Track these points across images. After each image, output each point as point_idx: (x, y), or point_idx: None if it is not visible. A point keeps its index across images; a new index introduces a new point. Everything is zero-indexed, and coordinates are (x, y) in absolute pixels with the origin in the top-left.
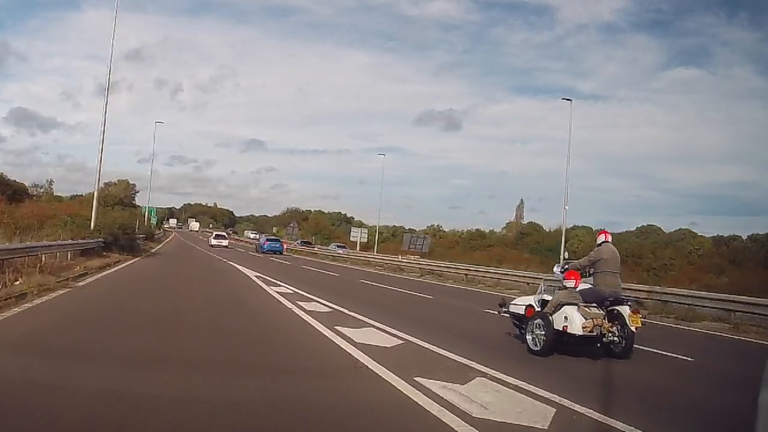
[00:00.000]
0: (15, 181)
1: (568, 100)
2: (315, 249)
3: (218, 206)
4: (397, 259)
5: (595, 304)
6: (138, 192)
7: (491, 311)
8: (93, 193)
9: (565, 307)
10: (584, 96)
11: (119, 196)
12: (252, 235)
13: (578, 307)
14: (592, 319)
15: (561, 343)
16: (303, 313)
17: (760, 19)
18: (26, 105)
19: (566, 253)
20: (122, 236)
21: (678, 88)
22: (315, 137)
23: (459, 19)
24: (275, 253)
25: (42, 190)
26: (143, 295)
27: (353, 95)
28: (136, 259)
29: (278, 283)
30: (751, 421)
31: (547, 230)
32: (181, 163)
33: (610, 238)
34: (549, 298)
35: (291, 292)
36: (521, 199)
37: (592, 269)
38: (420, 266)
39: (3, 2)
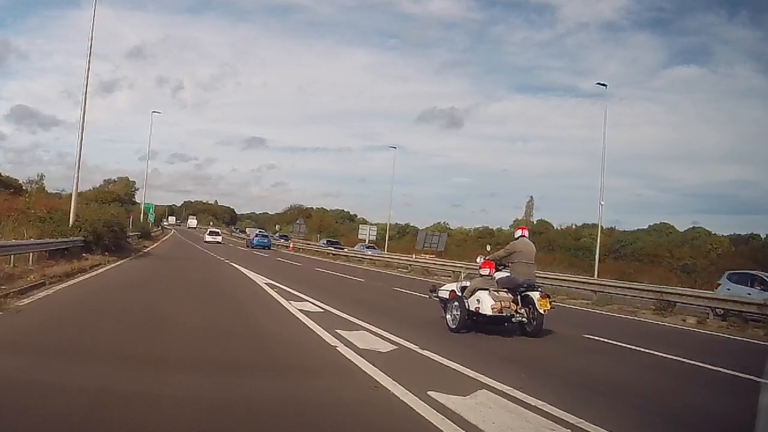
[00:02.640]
0: (9, 176)
1: (603, 85)
2: (345, 251)
3: (219, 204)
4: (420, 260)
5: (505, 289)
6: (138, 189)
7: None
8: (91, 189)
9: (479, 291)
10: (585, 95)
11: (119, 194)
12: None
13: (489, 291)
14: (500, 301)
15: (474, 321)
16: (357, 356)
17: (760, 18)
18: (27, 103)
19: (489, 246)
20: (107, 234)
21: (679, 86)
22: (316, 135)
23: (460, 17)
24: (264, 248)
25: (35, 185)
26: (104, 328)
27: (354, 94)
28: (121, 262)
29: (297, 294)
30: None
31: (557, 228)
32: (182, 161)
33: (527, 233)
34: (468, 284)
35: (320, 310)
36: (530, 197)
37: (509, 260)
38: (453, 269)
39: (3, 1)
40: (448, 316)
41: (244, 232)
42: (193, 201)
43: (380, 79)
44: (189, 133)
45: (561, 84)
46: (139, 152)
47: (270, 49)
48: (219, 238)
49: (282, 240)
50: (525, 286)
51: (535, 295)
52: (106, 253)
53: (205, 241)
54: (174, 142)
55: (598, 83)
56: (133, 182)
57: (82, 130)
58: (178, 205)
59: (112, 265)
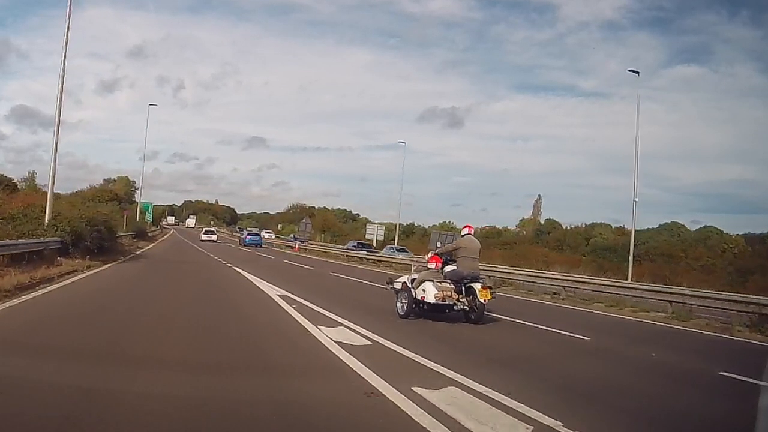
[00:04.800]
0: (2, 175)
1: (635, 72)
2: (380, 255)
3: (219, 203)
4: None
5: (449, 281)
6: (138, 189)
7: None
8: (88, 188)
9: (425, 282)
10: (585, 94)
11: (118, 193)
12: (266, 235)
13: (434, 282)
14: (443, 291)
15: (420, 309)
16: None
17: (761, 17)
18: (27, 103)
19: (439, 243)
20: (90, 234)
21: (679, 86)
22: (317, 135)
23: (460, 16)
24: (256, 246)
25: (26, 183)
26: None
27: (355, 93)
28: (105, 267)
29: (324, 313)
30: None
31: (566, 227)
32: (182, 161)
33: (472, 231)
34: (417, 276)
35: (365, 341)
36: (539, 195)
37: (456, 255)
38: (486, 274)
39: (4, 1)
40: (398, 304)
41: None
42: (193, 200)
43: (381, 79)
44: (190, 132)
45: (561, 83)
46: (141, 152)
47: (271, 49)
48: (214, 237)
49: (298, 242)
50: (469, 278)
51: (476, 286)
52: (88, 256)
53: (201, 240)
54: (175, 141)
55: (631, 70)
56: (133, 182)
57: (59, 122)
58: (179, 204)
59: (92, 271)
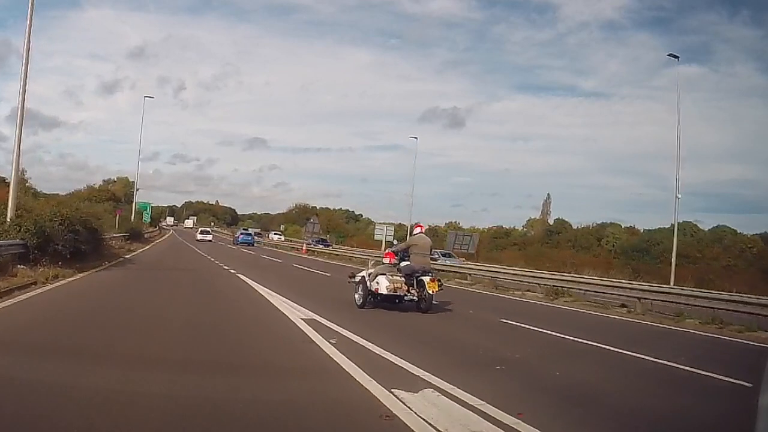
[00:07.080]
0: None
1: (675, 56)
2: (439, 264)
3: (220, 204)
4: (470, 266)
5: (400, 274)
6: (138, 190)
7: None
8: (85, 188)
9: (379, 276)
10: (586, 94)
11: (117, 193)
12: (275, 237)
13: (386, 275)
14: (394, 283)
15: (375, 299)
16: None
17: (762, 16)
18: (28, 104)
19: (395, 241)
20: (63, 236)
21: (680, 85)
22: (317, 135)
23: (461, 16)
24: (249, 245)
25: None
26: None
27: (356, 93)
28: (77, 277)
29: (388, 357)
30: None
31: (576, 227)
32: (183, 162)
33: (424, 230)
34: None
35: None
36: (548, 194)
37: (409, 251)
38: (538, 282)
39: (4, 1)
40: (356, 296)
41: (260, 234)
42: (194, 201)
43: (382, 79)
44: (190, 133)
45: (562, 83)
46: (141, 152)
47: (271, 49)
48: (209, 237)
49: (321, 245)
50: (420, 272)
51: (426, 279)
52: (60, 262)
53: (197, 239)
54: (175, 142)
55: (670, 54)
56: (133, 182)
57: (23, 106)
58: (179, 205)
59: (56, 283)
